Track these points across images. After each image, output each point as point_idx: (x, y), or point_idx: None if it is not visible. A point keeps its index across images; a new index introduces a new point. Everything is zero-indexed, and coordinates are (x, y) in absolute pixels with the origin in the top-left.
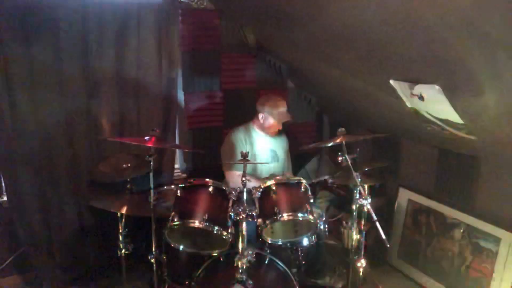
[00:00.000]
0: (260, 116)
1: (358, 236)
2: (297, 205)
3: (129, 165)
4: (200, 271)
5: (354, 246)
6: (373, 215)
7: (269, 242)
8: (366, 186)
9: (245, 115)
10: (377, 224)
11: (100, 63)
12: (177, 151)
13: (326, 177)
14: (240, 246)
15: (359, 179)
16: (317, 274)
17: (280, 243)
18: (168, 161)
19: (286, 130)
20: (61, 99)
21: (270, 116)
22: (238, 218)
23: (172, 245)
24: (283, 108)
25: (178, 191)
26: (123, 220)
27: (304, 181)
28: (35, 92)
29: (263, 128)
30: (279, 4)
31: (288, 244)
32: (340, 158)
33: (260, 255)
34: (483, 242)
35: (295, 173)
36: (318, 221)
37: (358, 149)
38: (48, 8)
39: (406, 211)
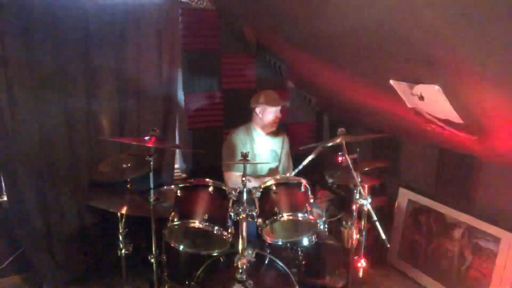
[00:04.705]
0: (258, 110)
1: (358, 236)
2: (297, 205)
3: (129, 165)
4: (200, 271)
5: (354, 246)
6: (373, 215)
7: (269, 242)
8: (366, 186)
9: (245, 115)
10: (377, 224)
11: (100, 63)
12: (177, 151)
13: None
14: (240, 246)
15: (359, 179)
16: (317, 274)
17: (280, 243)
18: (168, 161)
19: (286, 130)
20: (61, 99)
21: (266, 105)
22: (238, 218)
23: (172, 245)
24: (275, 95)
25: (178, 191)
26: (123, 220)
27: (304, 181)
28: (35, 92)
29: (263, 123)
30: (279, 4)
31: (288, 244)
32: (340, 158)
33: (260, 255)
34: (483, 242)
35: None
36: (318, 221)
37: (358, 149)
38: (48, 8)
39: (406, 211)
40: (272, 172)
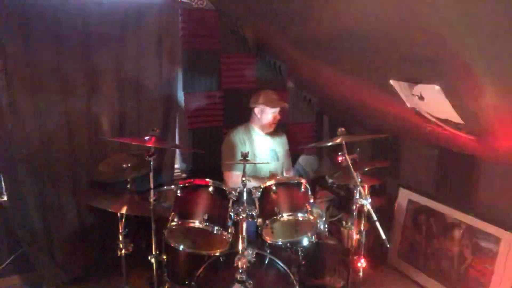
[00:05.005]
0: (257, 110)
1: (358, 236)
2: (297, 205)
3: (129, 165)
4: (200, 271)
5: (354, 246)
6: (373, 215)
7: (269, 242)
8: (366, 186)
9: (245, 115)
10: (377, 224)
11: (100, 63)
12: (177, 151)
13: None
14: (240, 246)
15: (359, 179)
16: (317, 274)
17: (280, 243)
18: (168, 161)
19: (286, 130)
20: (61, 99)
21: (265, 106)
22: (238, 218)
23: (172, 245)
24: (275, 96)
25: (178, 191)
26: (123, 220)
27: (304, 181)
28: (35, 92)
29: (262, 124)
30: (278, 4)
31: (288, 244)
32: (340, 158)
33: (260, 255)
34: (483, 242)
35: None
36: (318, 221)
37: (358, 149)
38: (48, 8)
39: (406, 211)
40: (271, 172)
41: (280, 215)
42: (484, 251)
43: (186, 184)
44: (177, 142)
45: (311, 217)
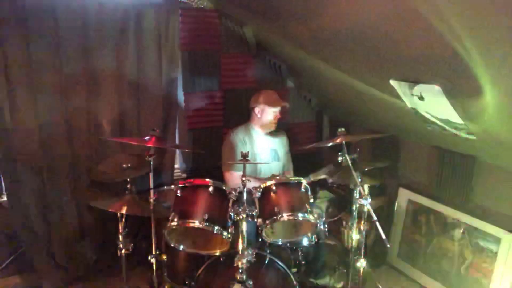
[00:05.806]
0: (257, 110)
1: (358, 236)
2: (297, 205)
3: (129, 165)
4: (200, 271)
5: (354, 246)
6: (373, 215)
7: (269, 242)
8: (366, 186)
9: (245, 115)
10: (377, 224)
11: (100, 63)
12: (177, 151)
13: (324, 175)
14: (240, 246)
15: (359, 179)
16: (317, 274)
17: (280, 243)
18: (168, 161)
19: (286, 130)
20: (61, 99)
21: (266, 105)
22: (238, 218)
23: (172, 245)
24: (275, 95)
25: (178, 191)
26: (123, 220)
27: (304, 181)
28: (35, 92)
29: (262, 123)
30: (278, 4)
31: (288, 244)
32: (340, 158)
33: (260, 255)
34: (483, 242)
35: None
36: (318, 221)
37: (358, 149)
38: (48, 8)
39: (406, 211)
40: (272, 171)
41: (280, 215)
42: (484, 251)
43: (186, 184)
44: (177, 142)
45: (311, 217)
